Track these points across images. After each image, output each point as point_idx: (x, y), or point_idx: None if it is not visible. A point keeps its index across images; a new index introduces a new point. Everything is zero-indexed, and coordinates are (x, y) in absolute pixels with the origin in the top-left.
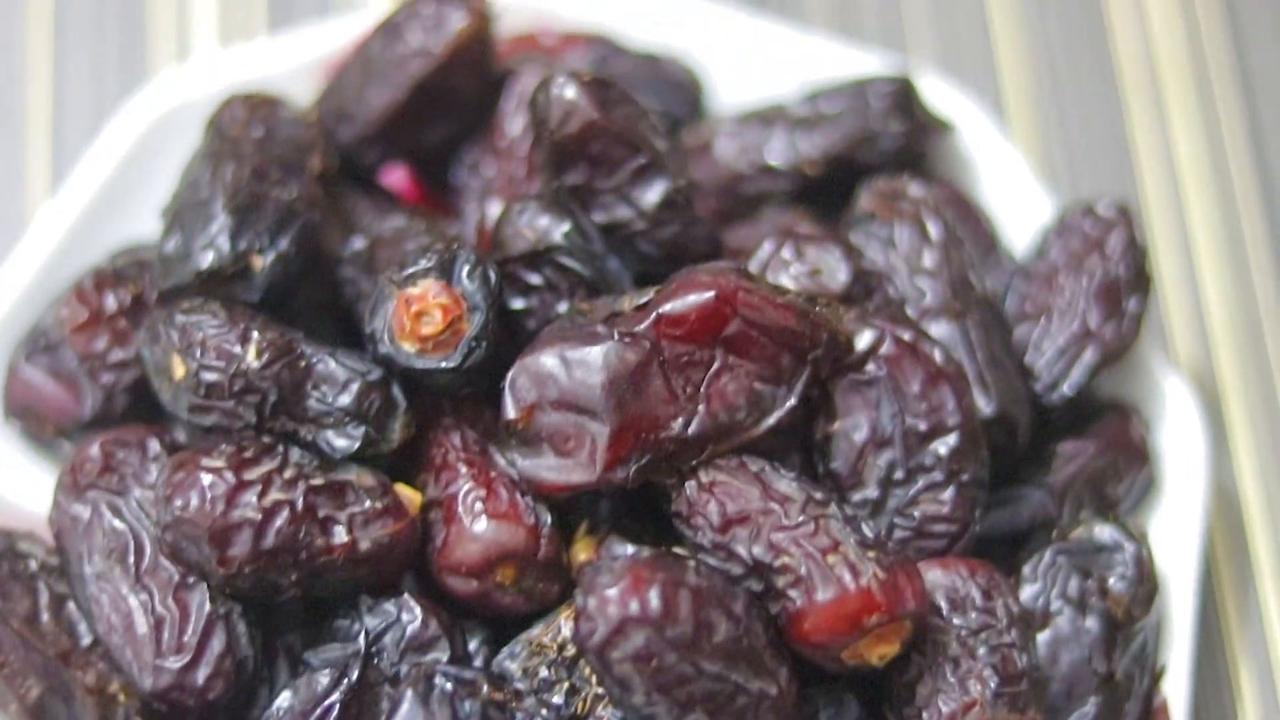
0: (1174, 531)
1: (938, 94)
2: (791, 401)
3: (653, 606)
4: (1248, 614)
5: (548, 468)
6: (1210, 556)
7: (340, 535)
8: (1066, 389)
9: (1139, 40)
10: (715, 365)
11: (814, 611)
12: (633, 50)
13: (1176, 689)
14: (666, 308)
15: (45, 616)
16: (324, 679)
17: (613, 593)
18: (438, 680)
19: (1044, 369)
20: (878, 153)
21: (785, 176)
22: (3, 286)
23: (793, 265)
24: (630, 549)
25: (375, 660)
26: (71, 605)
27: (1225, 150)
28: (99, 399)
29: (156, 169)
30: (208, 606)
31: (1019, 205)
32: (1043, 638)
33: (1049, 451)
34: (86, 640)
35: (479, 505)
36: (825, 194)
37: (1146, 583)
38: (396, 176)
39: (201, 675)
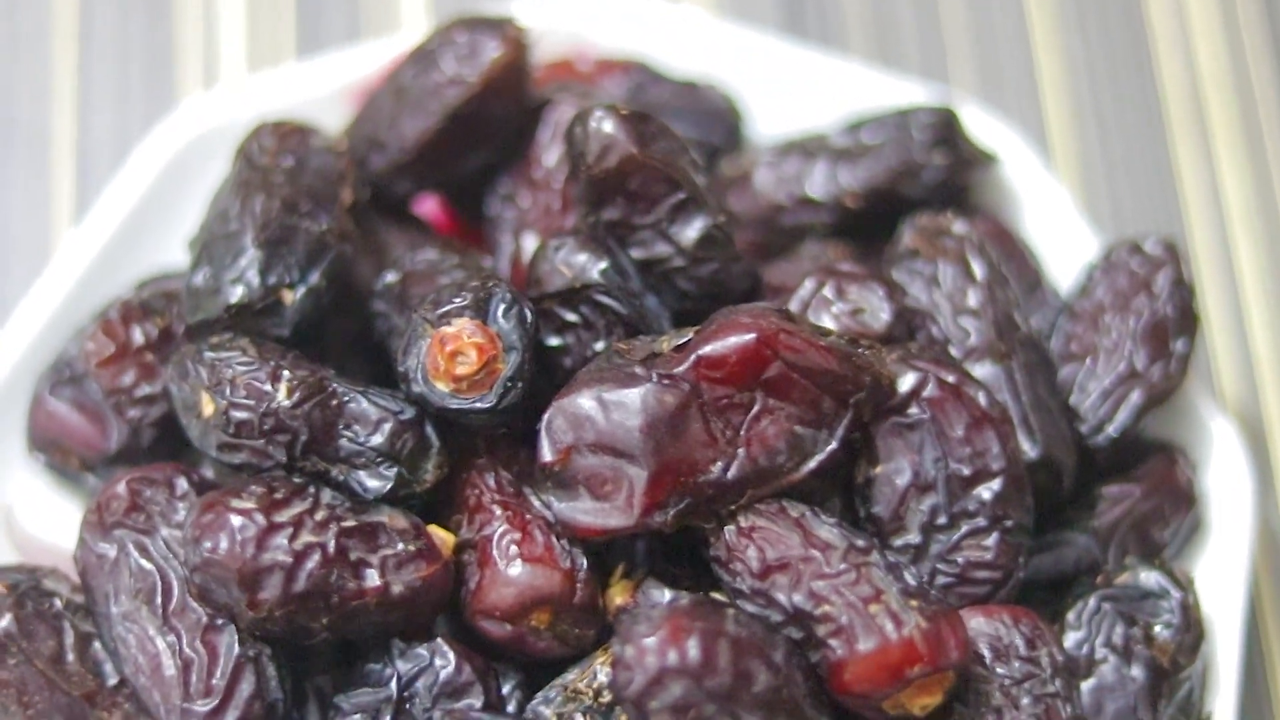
0: (1220, 576)
1: (981, 125)
2: (833, 445)
3: (691, 657)
4: None
5: (584, 511)
6: (1255, 599)
7: (373, 579)
8: (1112, 431)
9: (1185, 74)
10: (755, 408)
11: (855, 662)
12: (670, 77)
13: None
14: (706, 350)
15: (70, 656)
16: None
17: (651, 642)
18: None
19: (1089, 411)
20: (920, 186)
21: (825, 209)
22: (27, 316)
23: (834, 304)
24: (668, 594)
25: (408, 705)
26: (97, 645)
27: (1273, 187)
28: (125, 433)
29: (183, 197)
30: (237, 649)
31: (1063, 241)
32: (1087, 686)
33: (1094, 495)
34: (112, 681)
35: (514, 548)
36: (865, 227)
37: (1193, 630)
38: (428, 206)
39: (230, 719)
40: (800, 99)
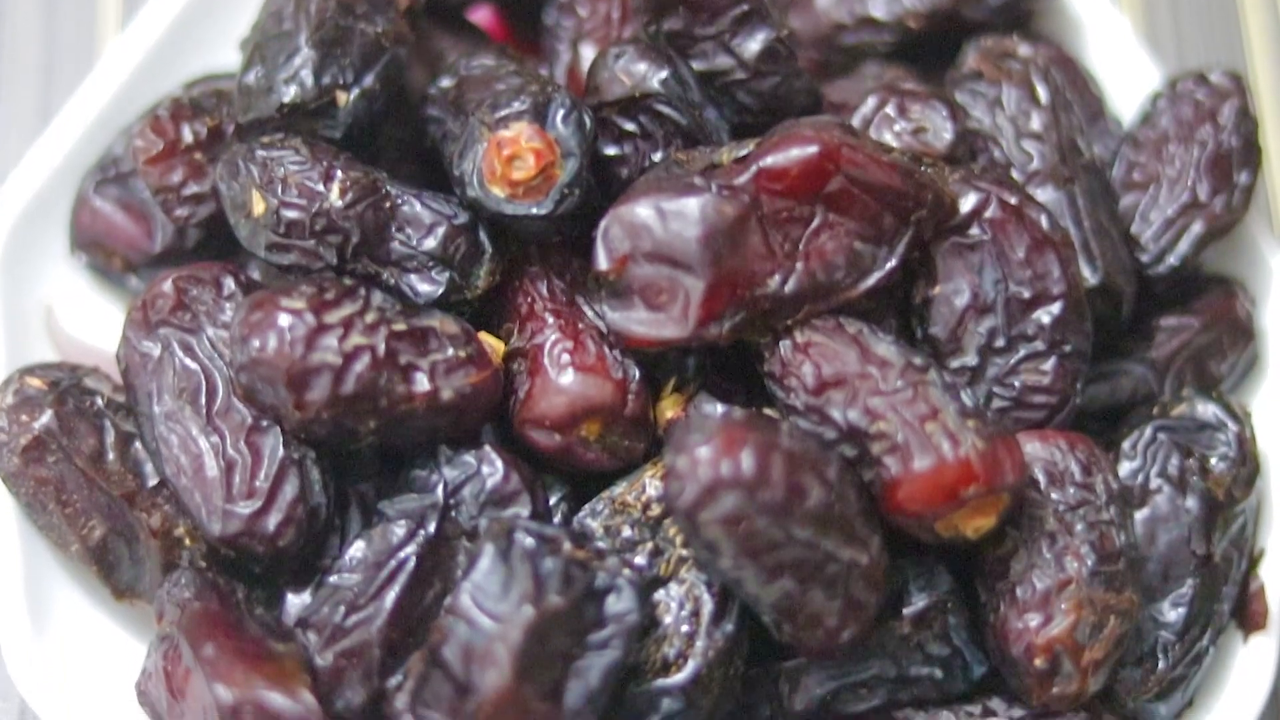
0: (1277, 411)
1: None
2: (892, 262)
3: (745, 468)
4: None
5: (638, 321)
6: None
7: (422, 383)
8: (1173, 260)
9: None
10: (815, 223)
11: (910, 480)
12: None
13: (1275, 573)
14: (767, 161)
15: (111, 456)
16: (399, 530)
17: (704, 452)
18: (518, 536)
19: (1150, 240)
20: (983, 8)
21: (887, 29)
22: (74, 114)
23: (897, 123)
24: (720, 408)
25: (453, 513)
26: (138, 445)
27: None
28: (171, 233)
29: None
30: (281, 451)
31: (1124, 71)
32: (1141, 516)
33: (1152, 326)
34: (153, 481)
35: (565, 357)
36: (926, 50)
37: (1249, 463)
38: (483, 15)
39: (272, 522)
40: None
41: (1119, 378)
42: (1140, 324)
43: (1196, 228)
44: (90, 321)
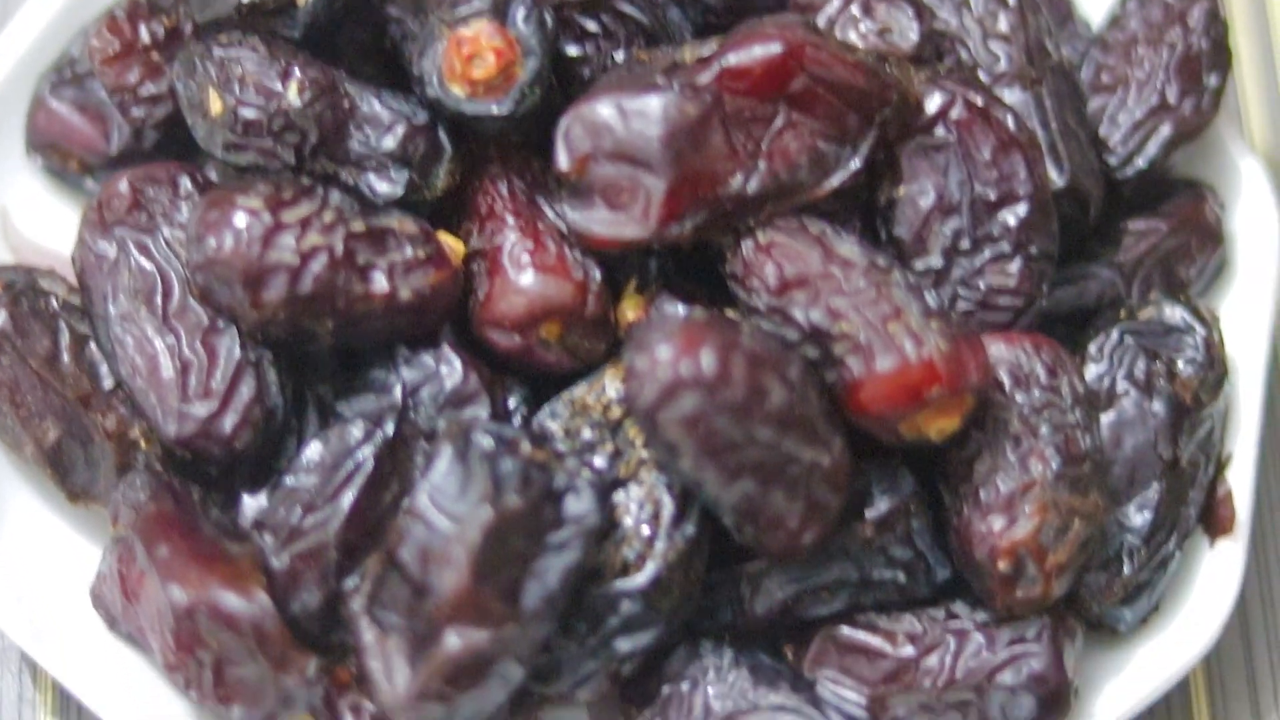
0: (1245, 317)
1: None
2: (856, 163)
3: (706, 368)
4: None
5: (599, 221)
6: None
7: (380, 283)
8: (1141, 163)
9: None
10: (778, 122)
11: (873, 381)
12: None
13: (1241, 479)
14: (730, 60)
15: (65, 358)
16: (356, 431)
17: (665, 352)
18: (477, 437)
19: (1118, 143)
20: None
21: None
22: (30, 15)
23: (861, 22)
24: (682, 308)
25: (411, 414)
26: (93, 347)
27: None
28: (127, 134)
29: None
30: (237, 352)
31: None
32: (1106, 419)
33: (1119, 229)
34: (108, 383)
35: (525, 257)
36: None
37: (1217, 367)
38: None
39: (228, 423)
40: None
41: (1085, 281)
42: (1107, 228)
43: (1165, 130)
44: (46, 224)
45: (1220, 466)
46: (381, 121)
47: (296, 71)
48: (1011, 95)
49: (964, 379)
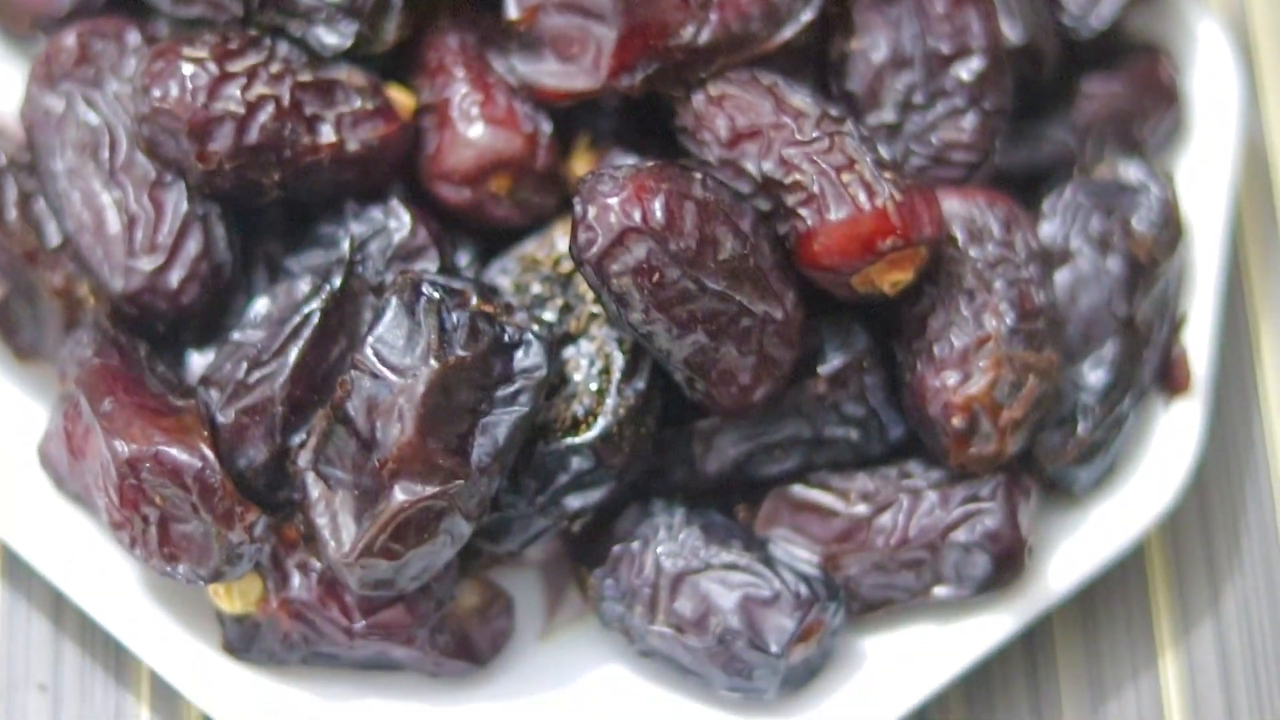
0: (1202, 177)
1: None
2: (809, 14)
3: (656, 217)
4: (1272, 269)
5: (549, 73)
6: (1236, 210)
7: (327, 134)
8: (1095, 22)
9: None
10: None
11: (825, 231)
12: None
13: (1198, 340)
14: None
15: (12, 214)
16: (304, 286)
17: (614, 201)
18: (425, 289)
19: (1074, 2)
20: None
21: None
22: None
23: None
24: (633, 160)
25: (359, 268)
26: (41, 203)
27: None
28: None
29: None
30: (185, 206)
31: None
32: (1061, 277)
33: (1074, 88)
34: (55, 240)
35: (475, 110)
36: None
37: (1171, 226)
38: None
39: (175, 278)
40: None
41: (1039, 140)
42: (1062, 87)
43: None
44: None
45: (1176, 327)
46: None
47: None
48: None
49: (917, 229)
